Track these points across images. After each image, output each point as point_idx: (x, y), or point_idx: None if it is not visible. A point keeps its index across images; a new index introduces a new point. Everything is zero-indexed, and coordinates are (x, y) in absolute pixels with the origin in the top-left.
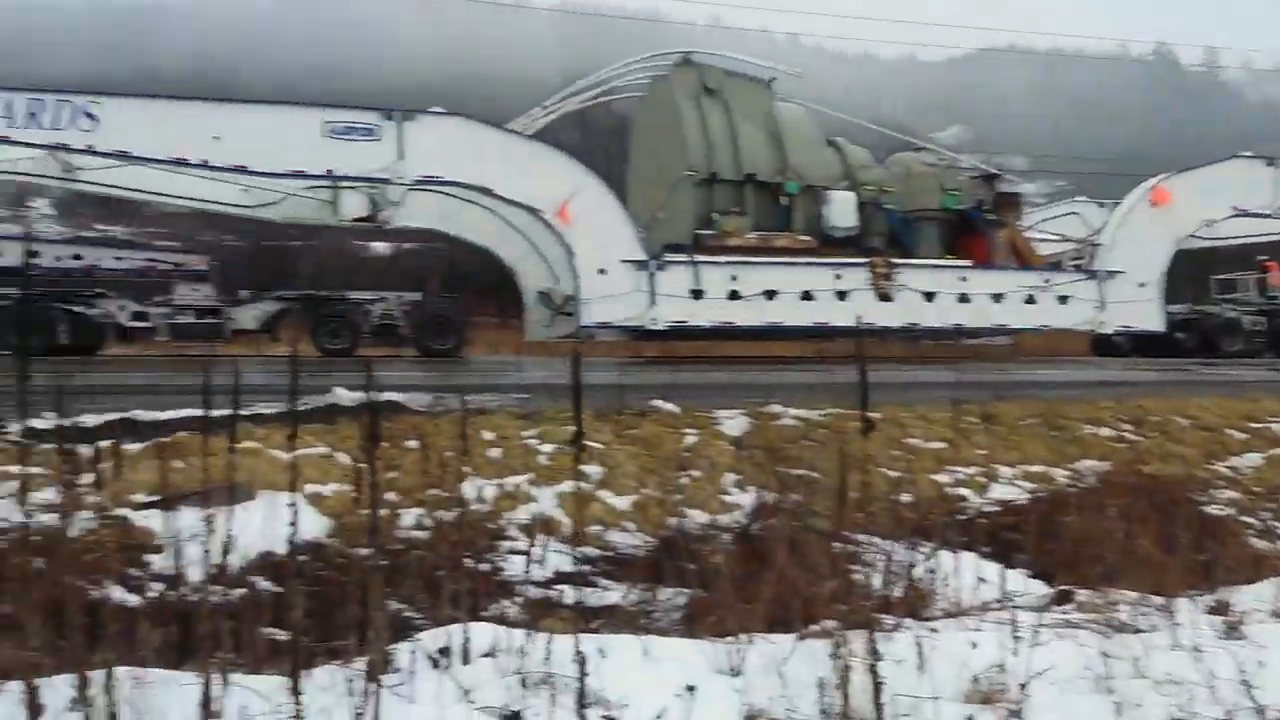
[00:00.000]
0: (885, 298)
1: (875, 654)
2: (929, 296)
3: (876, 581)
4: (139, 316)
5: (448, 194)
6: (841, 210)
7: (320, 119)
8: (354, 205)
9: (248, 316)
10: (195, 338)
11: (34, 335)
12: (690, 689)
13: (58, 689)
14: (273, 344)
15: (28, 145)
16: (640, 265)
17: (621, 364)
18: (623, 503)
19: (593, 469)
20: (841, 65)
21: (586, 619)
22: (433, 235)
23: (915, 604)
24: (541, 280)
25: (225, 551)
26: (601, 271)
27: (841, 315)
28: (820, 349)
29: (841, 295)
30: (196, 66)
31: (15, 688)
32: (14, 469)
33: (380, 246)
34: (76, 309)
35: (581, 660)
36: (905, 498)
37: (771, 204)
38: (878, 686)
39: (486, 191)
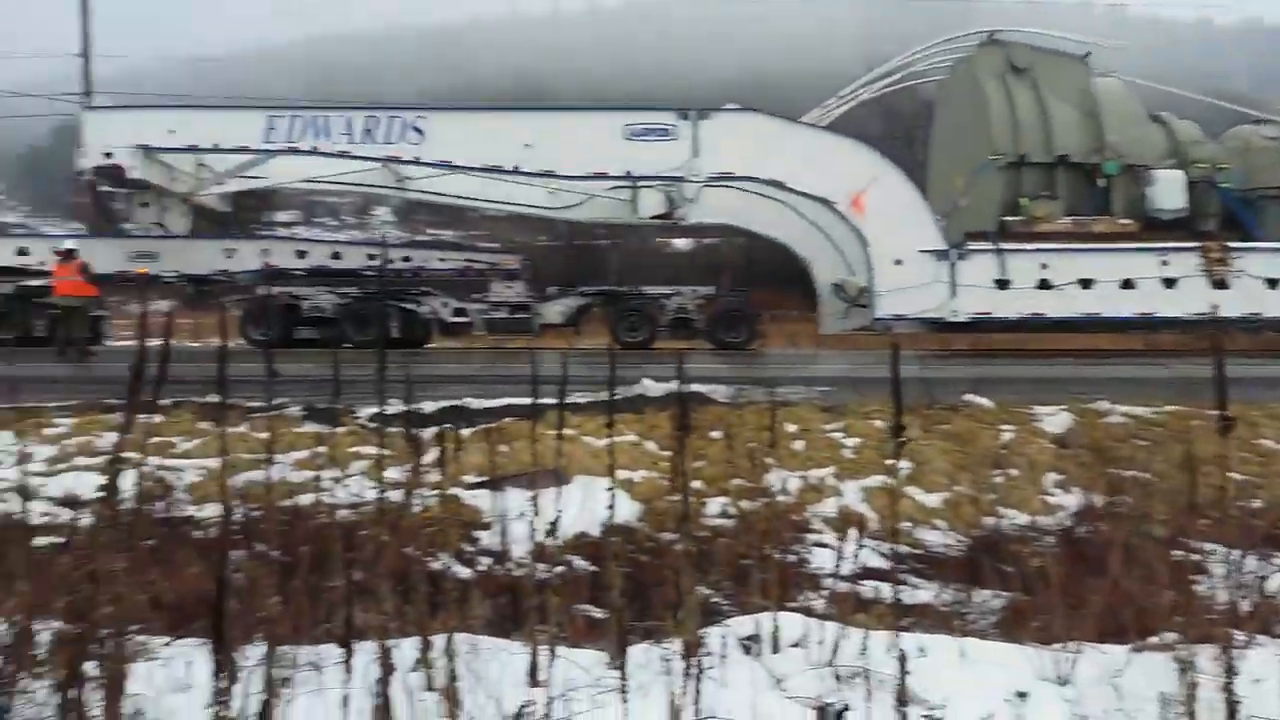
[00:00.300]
0: (1221, 285)
1: (1230, 671)
2: (1273, 283)
3: (1223, 594)
4: (459, 313)
5: (741, 189)
6: (1168, 190)
7: (621, 122)
8: (651, 204)
9: (554, 311)
10: (507, 332)
11: (372, 330)
12: (1021, 695)
13: (404, 650)
14: (576, 337)
15: (365, 159)
16: (940, 255)
17: (925, 356)
18: (933, 500)
19: (901, 464)
20: (1174, 35)
21: (897, 616)
22: (728, 230)
23: (1269, 620)
24: (836, 272)
25: (552, 531)
26: (898, 262)
27: (1169, 304)
28: (1147, 341)
29: (1169, 283)
30: (514, 79)
31: (370, 647)
32: (365, 449)
33: (681, 243)
34: (407, 306)
35: (902, 657)
36: (1256, 504)
37: (1087, 186)
38: (1232, 706)
39: (778, 185)
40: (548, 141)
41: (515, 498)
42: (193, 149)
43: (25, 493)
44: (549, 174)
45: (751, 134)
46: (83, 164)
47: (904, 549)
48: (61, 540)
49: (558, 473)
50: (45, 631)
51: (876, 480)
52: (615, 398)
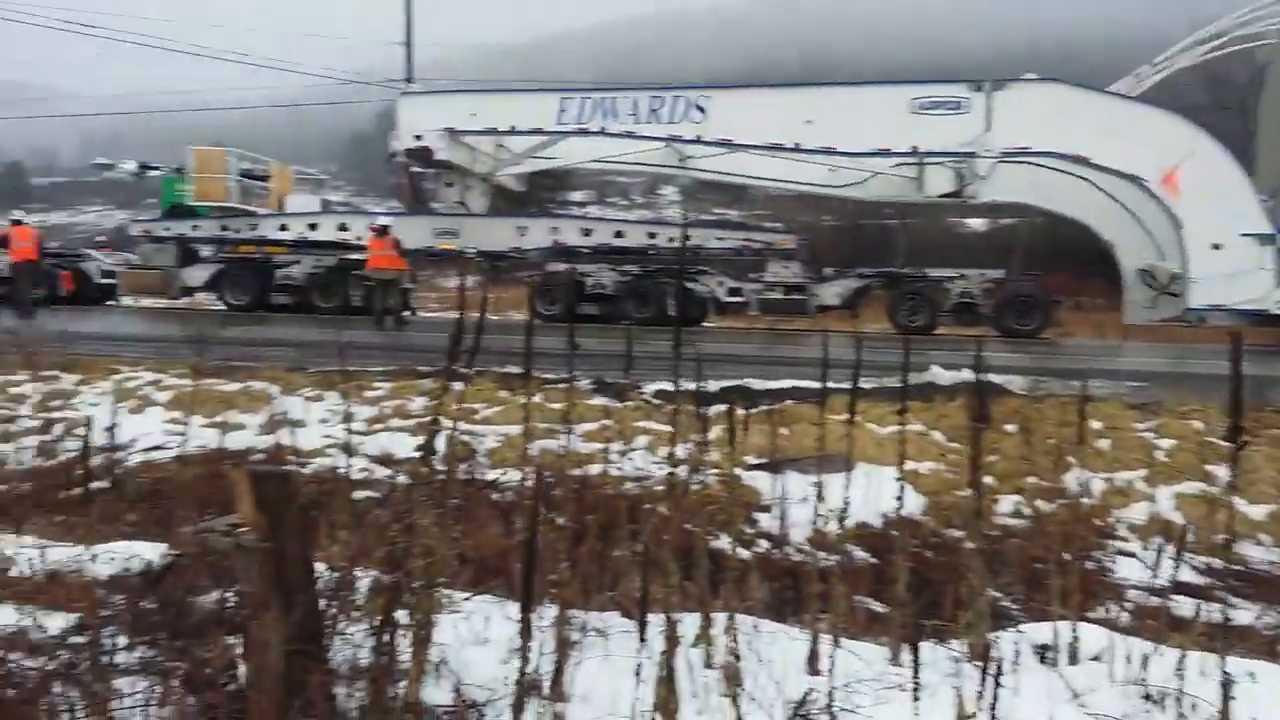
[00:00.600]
0: None
1: None
2: None
3: None
4: (734, 292)
5: (1039, 165)
6: None
7: (907, 96)
8: (939, 181)
9: (830, 293)
10: (782, 312)
11: (651, 307)
12: None
13: (685, 625)
14: (853, 320)
15: (649, 138)
16: (1265, 239)
17: (1255, 352)
18: (1259, 512)
19: (1221, 471)
20: None
21: (1217, 637)
22: (1024, 210)
23: None
24: (1143, 256)
25: (842, 518)
26: (1216, 247)
27: None
28: None
29: None
30: (800, 56)
31: (657, 620)
32: (648, 424)
33: (975, 223)
34: (684, 284)
35: (1226, 682)
36: None
37: None
38: None
39: (1080, 161)
40: (829, 117)
41: (795, 481)
42: (492, 131)
43: (349, 450)
44: (830, 151)
45: (1051, 105)
46: (395, 146)
47: (1226, 564)
48: (377, 495)
49: (845, 459)
50: (364, 579)
51: (1193, 487)
52: (900, 384)
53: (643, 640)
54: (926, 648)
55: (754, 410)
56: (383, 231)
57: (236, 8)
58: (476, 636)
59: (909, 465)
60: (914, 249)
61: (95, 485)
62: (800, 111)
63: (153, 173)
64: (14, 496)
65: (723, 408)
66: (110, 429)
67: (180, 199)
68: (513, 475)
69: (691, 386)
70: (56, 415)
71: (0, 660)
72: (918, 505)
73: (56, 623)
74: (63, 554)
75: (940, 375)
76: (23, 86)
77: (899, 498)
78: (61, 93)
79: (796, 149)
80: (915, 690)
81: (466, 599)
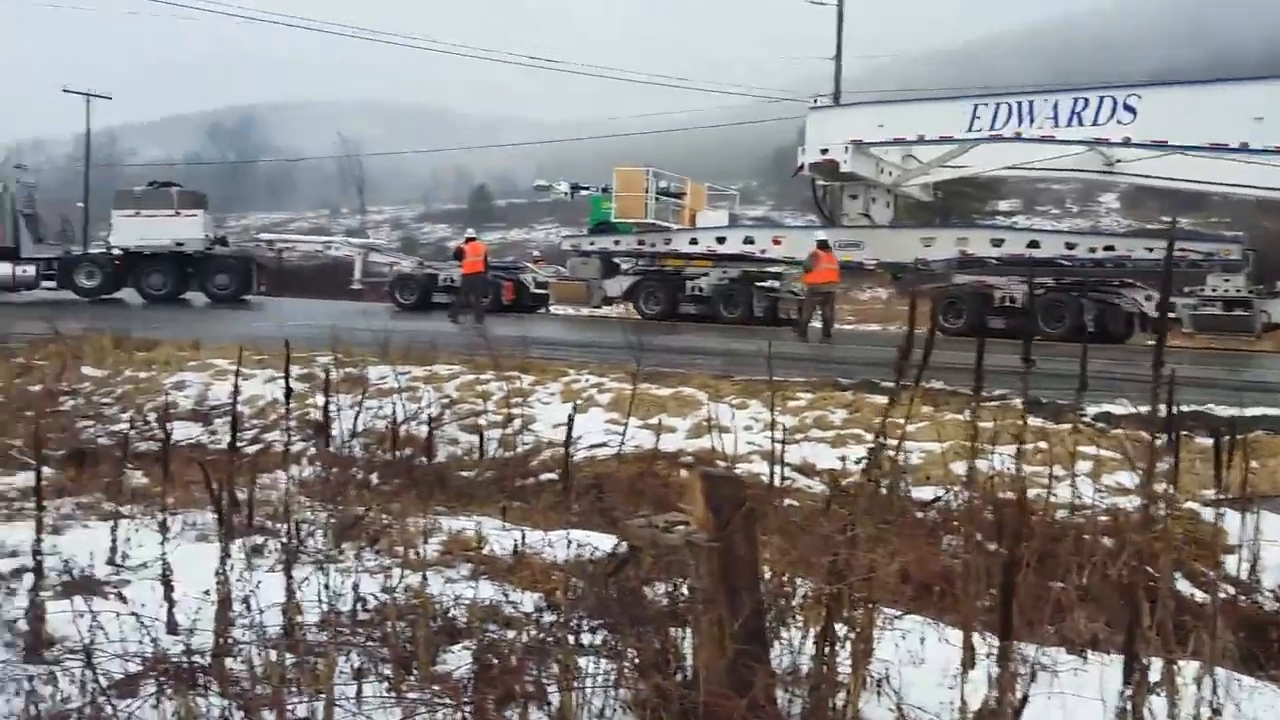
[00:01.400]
0: None
1: None
2: None
3: None
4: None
5: None
6: None
7: None
8: None
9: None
10: (1220, 330)
11: (1063, 323)
12: None
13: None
14: None
15: (1069, 143)
16: None
17: None
18: None
19: None
20: None
21: None
22: None
23: None
24: None
25: None
26: None
27: None
28: None
29: None
30: (1269, 47)
31: (1108, 658)
32: (1090, 450)
33: None
34: (1106, 299)
35: None
36: None
37: None
38: None
39: None
40: None
41: (1270, 521)
42: (899, 141)
43: (776, 459)
44: None
45: None
46: (802, 160)
47: None
48: (796, 504)
49: None
50: (801, 588)
51: None
52: None
53: (1129, 682)
54: None
55: (1216, 439)
56: (825, 246)
57: (677, 36)
58: (912, 656)
59: None
60: None
61: (546, 476)
62: (1247, 108)
63: (583, 192)
64: (481, 483)
65: (1179, 434)
66: (566, 427)
67: (605, 216)
68: (944, 494)
69: (1169, 413)
70: (515, 412)
71: (481, 630)
72: None
73: (525, 599)
74: (527, 537)
75: None
76: (506, 121)
77: None
78: (524, 121)
79: (1243, 149)
80: None
81: (899, 617)
